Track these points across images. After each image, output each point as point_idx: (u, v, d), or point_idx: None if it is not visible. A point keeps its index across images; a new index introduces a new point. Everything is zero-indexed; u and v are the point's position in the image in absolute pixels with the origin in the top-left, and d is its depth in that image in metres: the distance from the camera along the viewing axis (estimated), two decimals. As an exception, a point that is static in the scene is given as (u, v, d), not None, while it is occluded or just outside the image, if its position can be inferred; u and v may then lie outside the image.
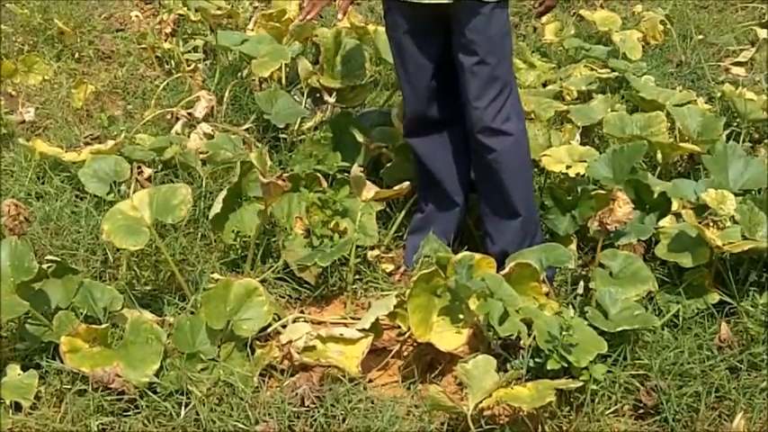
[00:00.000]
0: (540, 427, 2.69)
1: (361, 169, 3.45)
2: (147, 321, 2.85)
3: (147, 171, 3.69)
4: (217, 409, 2.71)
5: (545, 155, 3.53)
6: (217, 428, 2.66)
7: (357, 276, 3.35)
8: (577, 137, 3.86)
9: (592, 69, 4.56)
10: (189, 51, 4.89)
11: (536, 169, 3.60)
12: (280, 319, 3.06)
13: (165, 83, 4.55)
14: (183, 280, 3.16)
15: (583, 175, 3.45)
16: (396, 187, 3.51)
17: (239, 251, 3.39)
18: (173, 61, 4.90)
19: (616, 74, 4.46)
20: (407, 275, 3.32)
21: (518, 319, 2.78)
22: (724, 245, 2.96)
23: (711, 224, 3.06)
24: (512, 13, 5.34)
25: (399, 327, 3.01)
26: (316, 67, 4.20)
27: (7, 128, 4.20)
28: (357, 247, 3.31)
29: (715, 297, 3.03)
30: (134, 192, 3.31)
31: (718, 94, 4.29)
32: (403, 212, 3.55)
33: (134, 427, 2.68)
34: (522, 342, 2.78)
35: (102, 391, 2.70)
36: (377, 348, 3.00)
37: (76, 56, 5.06)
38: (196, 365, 2.81)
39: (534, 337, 2.75)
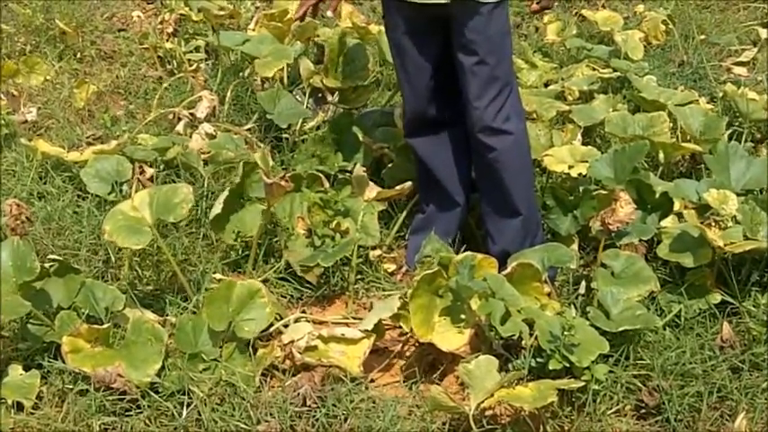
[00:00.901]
0: (541, 427, 2.69)
1: (364, 169, 3.45)
2: (149, 321, 2.86)
3: (149, 171, 3.69)
4: (218, 409, 2.71)
5: (547, 155, 3.53)
6: (218, 428, 2.66)
7: (359, 276, 3.35)
8: (579, 137, 3.86)
9: (594, 69, 4.55)
10: (191, 51, 4.88)
11: (538, 169, 3.60)
12: (281, 319, 3.06)
13: (167, 83, 4.55)
14: (185, 280, 3.16)
15: (584, 175, 3.45)
16: (398, 187, 3.51)
17: (241, 251, 3.39)
18: (175, 61, 4.90)
19: (618, 74, 4.46)
20: (409, 275, 3.32)
21: (520, 319, 2.78)
22: (726, 245, 2.96)
23: (713, 224, 3.06)
24: (513, 13, 5.36)
25: (401, 327, 3.01)
26: (318, 68, 4.20)
27: (9, 128, 4.20)
28: (359, 247, 3.31)
29: (717, 297, 3.03)
30: (136, 192, 3.31)
31: (720, 94, 4.29)
32: (405, 212, 3.55)
33: (136, 427, 2.68)
34: (523, 342, 2.78)
35: (103, 391, 2.70)
36: (378, 348, 3.00)
37: (78, 56, 5.06)
38: (198, 365, 2.81)
39: (536, 337, 2.75)
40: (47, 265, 2.92)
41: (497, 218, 3.22)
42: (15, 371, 2.80)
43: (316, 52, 4.50)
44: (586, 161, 3.45)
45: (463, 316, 2.89)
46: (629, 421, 2.75)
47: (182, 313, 3.05)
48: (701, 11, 5.61)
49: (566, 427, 2.72)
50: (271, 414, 2.68)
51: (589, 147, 3.66)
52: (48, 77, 4.79)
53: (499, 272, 2.95)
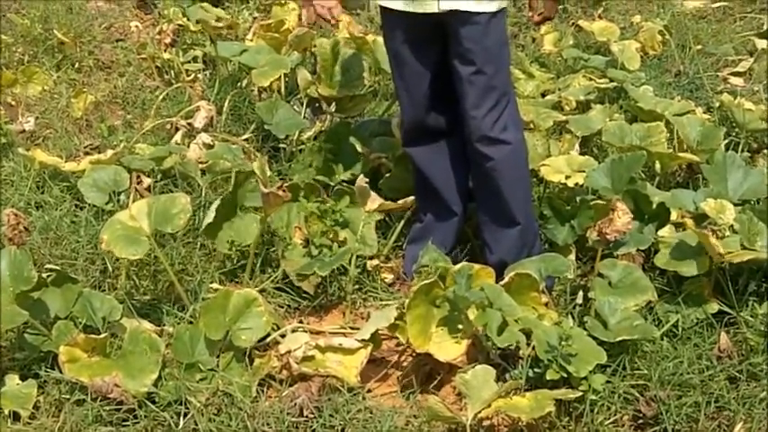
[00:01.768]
0: (539, 437, 2.69)
1: (366, 180, 3.45)
2: (146, 331, 2.85)
3: (147, 181, 3.69)
4: (215, 419, 2.70)
5: (544, 165, 3.53)
6: (215, 438, 2.66)
7: (356, 286, 3.35)
8: (576, 147, 3.87)
9: (590, 79, 4.56)
10: (188, 61, 4.90)
11: (535, 179, 3.60)
12: (279, 328, 3.05)
13: (164, 93, 4.56)
14: (182, 290, 3.16)
15: (582, 185, 3.45)
16: (400, 201, 3.51)
17: (238, 261, 3.39)
18: (172, 71, 4.91)
19: (615, 84, 4.47)
20: (406, 285, 3.32)
21: (517, 329, 2.78)
22: (723, 254, 2.96)
23: (711, 234, 3.06)
24: (511, 24, 5.38)
25: (398, 337, 3.00)
26: (314, 77, 4.21)
27: (7, 137, 4.20)
28: (356, 256, 3.31)
29: (714, 307, 3.02)
30: (133, 201, 3.31)
31: (717, 104, 4.30)
32: (402, 222, 3.55)
33: (133, 437, 2.68)
34: (521, 352, 2.78)
35: (100, 400, 2.70)
36: (376, 358, 3.00)
37: (76, 66, 5.07)
38: (195, 375, 2.81)
39: (533, 347, 2.74)
40: (44, 274, 2.92)
41: (495, 227, 3.22)
42: (12, 380, 2.79)
43: (313, 62, 4.50)
44: (584, 171, 3.46)
45: (460, 326, 2.89)
46: (626, 431, 2.75)
47: (179, 323, 3.04)
48: (697, 21, 5.62)
49: (563, 438, 2.72)
50: (268, 424, 2.68)
51: (586, 156, 3.67)
52: (46, 87, 4.80)
53: (496, 282, 2.95)
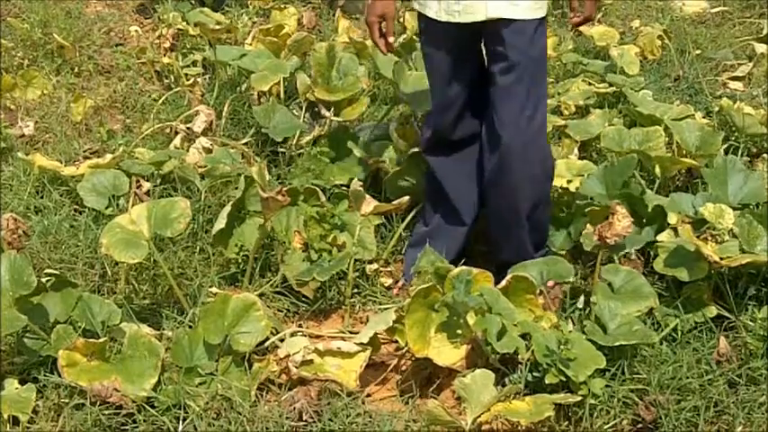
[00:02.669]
0: (538, 441, 2.68)
1: (361, 184, 3.45)
2: (146, 335, 2.85)
3: (146, 185, 3.69)
4: (214, 423, 2.70)
5: (544, 169, 3.53)
6: (214, 443, 2.66)
7: (355, 290, 3.35)
8: (575, 151, 3.87)
9: (590, 84, 4.56)
10: (188, 66, 4.90)
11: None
12: (278, 333, 3.05)
13: (163, 97, 4.56)
14: (182, 294, 3.16)
15: (582, 190, 3.46)
16: (395, 201, 3.51)
17: (238, 265, 3.39)
18: (172, 76, 4.91)
19: (614, 88, 4.47)
20: (406, 289, 3.32)
21: (516, 333, 2.78)
22: (722, 259, 2.96)
23: (710, 238, 3.06)
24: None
25: (397, 341, 3.00)
26: (311, 81, 4.21)
27: (6, 142, 4.20)
28: (355, 260, 3.31)
29: (713, 311, 3.02)
30: (133, 206, 3.31)
31: (716, 109, 4.29)
32: (402, 226, 3.55)
33: (132, 441, 2.68)
34: (520, 356, 2.78)
35: (99, 405, 2.70)
36: (375, 363, 2.99)
37: (76, 70, 5.07)
38: (194, 380, 2.81)
39: (532, 352, 2.74)
40: (43, 279, 2.92)
41: (504, 226, 3.19)
42: (11, 385, 2.79)
43: (312, 67, 4.51)
44: (583, 175, 3.46)
45: (459, 331, 2.89)
46: (626, 436, 2.75)
47: (178, 327, 3.04)
48: (696, 26, 5.62)
49: (562, 442, 2.71)
50: (267, 428, 2.68)
51: (585, 161, 3.67)
52: (45, 92, 4.80)
53: (497, 284, 2.95)
